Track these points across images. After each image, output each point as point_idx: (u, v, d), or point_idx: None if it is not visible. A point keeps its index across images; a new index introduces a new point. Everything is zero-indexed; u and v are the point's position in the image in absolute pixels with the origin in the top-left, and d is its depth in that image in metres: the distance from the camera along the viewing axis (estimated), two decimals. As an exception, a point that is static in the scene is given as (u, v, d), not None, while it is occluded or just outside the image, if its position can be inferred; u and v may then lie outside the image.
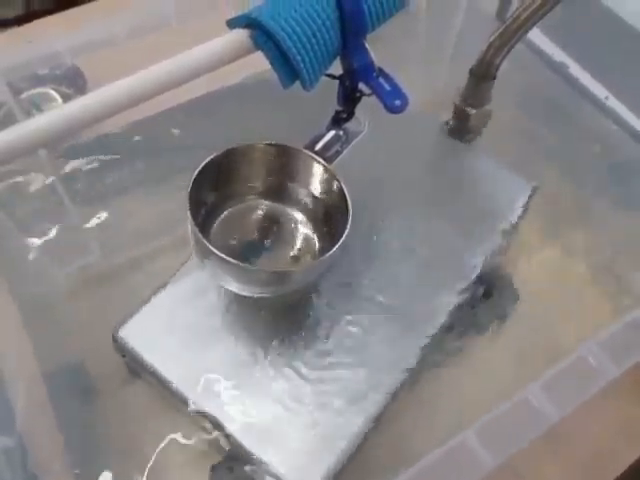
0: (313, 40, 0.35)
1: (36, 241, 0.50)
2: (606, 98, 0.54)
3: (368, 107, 0.41)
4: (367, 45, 0.38)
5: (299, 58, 0.35)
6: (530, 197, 0.50)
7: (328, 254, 0.39)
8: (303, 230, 0.45)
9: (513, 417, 0.29)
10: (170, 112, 0.51)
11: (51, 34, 0.60)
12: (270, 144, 0.43)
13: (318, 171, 0.43)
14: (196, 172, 0.40)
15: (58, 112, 0.32)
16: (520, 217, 0.49)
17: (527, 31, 0.45)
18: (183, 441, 0.41)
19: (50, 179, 0.52)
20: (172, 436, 0.41)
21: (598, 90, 0.54)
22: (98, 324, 0.43)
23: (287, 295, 0.43)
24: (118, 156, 0.54)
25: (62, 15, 0.68)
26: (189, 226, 0.38)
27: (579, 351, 0.31)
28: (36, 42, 0.62)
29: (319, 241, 0.45)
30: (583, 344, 0.31)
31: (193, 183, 0.39)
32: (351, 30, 0.36)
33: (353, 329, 0.43)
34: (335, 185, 0.42)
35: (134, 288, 0.47)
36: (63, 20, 0.68)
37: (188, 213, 0.38)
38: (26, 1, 1.26)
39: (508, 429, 0.29)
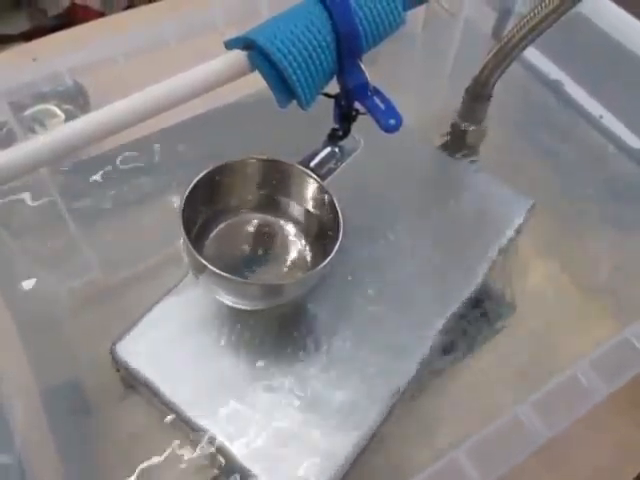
0: (309, 61, 0.36)
1: (35, 257, 0.50)
2: (600, 117, 0.54)
3: (364, 125, 0.41)
4: (362, 65, 0.38)
5: (295, 78, 0.36)
6: (528, 213, 0.50)
7: (318, 267, 0.39)
8: (296, 244, 0.46)
9: (503, 436, 0.29)
10: (169, 129, 0.52)
11: (55, 52, 0.61)
12: (263, 159, 0.44)
13: (311, 187, 0.44)
14: (189, 188, 0.41)
15: (60, 132, 0.33)
16: (517, 233, 0.49)
17: (522, 50, 0.45)
18: (179, 456, 0.41)
19: (50, 195, 0.53)
20: (169, 451, 0.41)
21: (593, 108, 0.55)
22: (97, 340, 0.43)
23: (282, 307, 0.44)
24: (118, 173, 0.54)
25: (66, 33, 0.69)
26: (182, 241, 0.39)
27: (570, 370, 0.31)
28: (40, 60, 0.63)
29: (312, 255, 0.45)
30: (574, 363, 0.31)
31: (186, 199, 0.40)
32: (347, 51, 0.37)
33: (347, 343, 0.43)
34: (328, 201, 0.43)
35: (133, 303, 0.47)
36: (67, 37, 0.69)
37: (181, 228, 0.39)
38: (31, 18, 1.27)
39: (498, 448, 0.29)
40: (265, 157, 0.44)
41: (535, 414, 0.29)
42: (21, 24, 1.29)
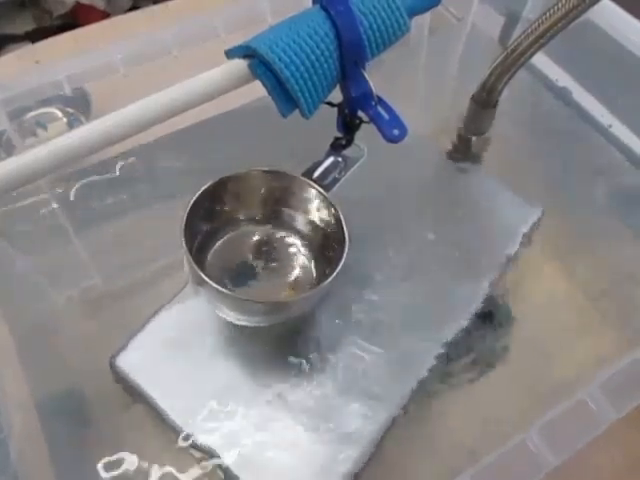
0: (312, 69, 0.35)
1: (33, 264, 0.50)
2: (610, 126, 0.53)
3: (368, 133, 0.41)
4: (366, 73, 0.37)
5: (297, 87, 0.35)
6: (536, 222, 0.49)
7: (324, 283, 0.38)
8: (300, 257, 0.45)
9: (510, 462, 0.28)
10: (170, 137, 0.51)
11: (57, 55, 0.61)
12: (267, 171, 0.43)
13: (316, 199, 0.43)
14: (192, 200, 0.40)
15: (60, 142, 0.32)
16: (524, 243, 0.48)
17: (530, 57, 0.44)
18: (178, 471, 0.40)
19: (49, 202, 0.52)
20: (167, 466, 0.40)
21: (602, 117, 0.54)
22: (96, 351, 0.42)
23: (284, 323, 0.43)
24: (118, 180, 0.53)
25: (69, 35, 0.69)
26: (184, 255, 0.38)
27: (578, 394, 0.30)
28: (42, 63, 0.62)
29: (316, 268, 0.44)
30: (583, 387, 0.31)
31: (189, 211, 0.39)
32: (350, 59, 0.36)
33: (349, 358, 0.42)
34: (332, 213, 0.42)
35: (133, 312, 0.47)
36: (69, 40, 0.68)
37: (183, 243, 0.38)
38: (36, 17, 1.27)
39: (505, 474, 0.28)
40: (268, 169, 0.43)
41: (542, 440, 0.28)
42: (26, 23, 1.29)
